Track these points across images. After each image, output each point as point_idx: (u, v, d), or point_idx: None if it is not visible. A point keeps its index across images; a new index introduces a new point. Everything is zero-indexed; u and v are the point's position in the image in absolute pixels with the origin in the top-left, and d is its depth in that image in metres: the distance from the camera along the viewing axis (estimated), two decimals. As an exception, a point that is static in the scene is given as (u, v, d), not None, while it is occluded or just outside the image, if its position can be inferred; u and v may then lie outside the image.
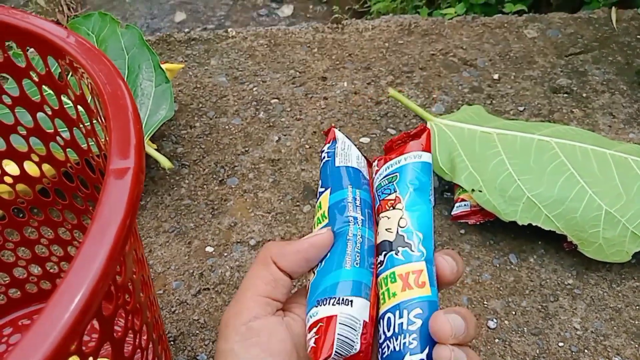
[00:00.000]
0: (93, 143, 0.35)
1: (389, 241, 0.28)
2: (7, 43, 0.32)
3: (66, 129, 0.36)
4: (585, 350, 0.50)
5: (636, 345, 0.50)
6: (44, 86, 0.34)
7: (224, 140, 0.69)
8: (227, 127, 0.71)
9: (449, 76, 0.78)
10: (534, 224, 0.54)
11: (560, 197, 0.53)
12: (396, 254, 0.28)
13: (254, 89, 0.76)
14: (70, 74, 0.30)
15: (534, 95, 0.75)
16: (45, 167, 0.41)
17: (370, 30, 0.86)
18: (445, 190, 0.63)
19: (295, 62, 0.80)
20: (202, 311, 0.53)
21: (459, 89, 0.76)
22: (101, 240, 0.20)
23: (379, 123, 0.71)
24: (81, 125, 0.35)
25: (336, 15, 0.87)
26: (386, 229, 0.28)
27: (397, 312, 0.26)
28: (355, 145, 0.40)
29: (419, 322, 0.25)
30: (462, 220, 0.58)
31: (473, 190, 0.56)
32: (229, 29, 0.86)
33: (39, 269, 0.48)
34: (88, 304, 0.18)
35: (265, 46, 0.83)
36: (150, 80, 0.63)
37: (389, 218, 0.28)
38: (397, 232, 0.28)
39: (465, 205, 0.57)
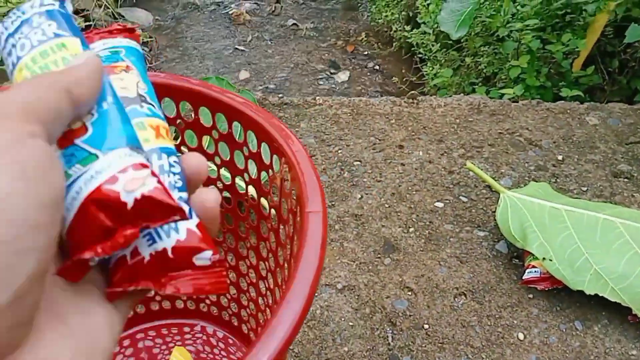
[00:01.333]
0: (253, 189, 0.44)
1: (128, 97, 0.27)
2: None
3: (229, 176, 0.46)
4: (648, 417, 0.54)
5: (697, 417, 0.53)
6: (220, 142, 0.44)
7: (313, 194, 0.78)
8: (316, 182, 0.80)
9: (516, 154, 0.85)
10: (600, 295, 0.59)
11: (626, 273, 0.59)
12: (140, 107, 0.27)
13: (339, 151, 0.86)
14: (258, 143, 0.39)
15: (596, 177, 0.81)
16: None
17: (442, 107, 0.96)
18: (513, 257, 0.69)
19: (375, 130, 0.90)
20: (296, 342, 0.60)
21: (525, 166, 0.83)
22: (308, 272, 0.28)
23: (452, 190, 0.79)
24: (245, 174, 0.44)
25: (412, 92, 0.96)
26: (121, 87, 0.27)
27: (155, 155, 0.25)
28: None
29: (178, 167, 0.26)
30: (531, 285, 0.64)
31: (544, 258, 0.62)
32: (317, 97, 0.97)
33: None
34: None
35: (349, 114, 0.93)
36: (260, 137, 0.73)
37: (122, 79, 0.28)
38: (138, 92, 0.28)
39: (535, 271, 0.63)
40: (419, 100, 0.97)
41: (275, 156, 0.40)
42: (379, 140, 0.88)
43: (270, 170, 0.42)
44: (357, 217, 0.75)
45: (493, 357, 0.59)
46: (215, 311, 0.58)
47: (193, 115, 0.44)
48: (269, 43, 3.17)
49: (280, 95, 0.98)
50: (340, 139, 0.88)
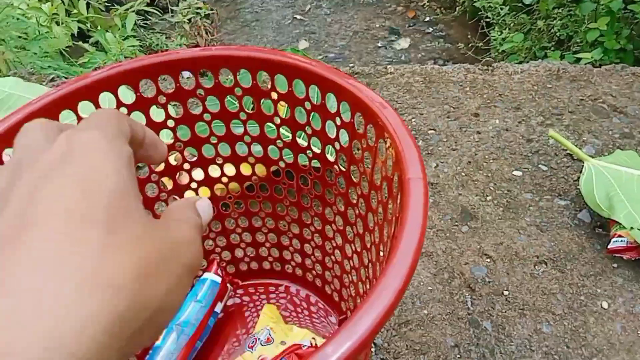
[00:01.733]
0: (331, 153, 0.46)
1: None
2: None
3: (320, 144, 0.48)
4: None
5: None
6: (312, 113, 0.46)
7: (389, 162, 0.79)
8: (390, 151, 0.80)
9: (599, 121, 0.82)
10: (692, 264, 0.57)
11: None
12: None
13: (413, 119, 0.86)
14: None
15: (688, 144, 0.77)
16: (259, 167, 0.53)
17: (519, 74, 0.93)
18: (597, 227, 0.68)
19: (449, 98, 0.89)
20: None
21: (609, 133, 0.80)
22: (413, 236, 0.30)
23: (530, 159, 0.78)
24: (336, 143, 0.46)
25: (488, 58, 0.94)
26: None
27: None
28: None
29: None
30: (617, 255, 0.63)
31: (632, 228, 0.60)
32: (388, 66, 0.97)
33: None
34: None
35: (421, 82, 0.93)
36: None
37: None
38: None
39: (622, 241, 0.62)
40: (494, 67, 0.95)
41: (369, 125, 0.41)
42: (453, 108, 0.87)
43: (363, 139, 0.44)
44: (433, 185, 0.75)
45: (575, 324, 0.59)
46: (299, 272, 0.61)
47: (287, 88, 0.46)
48: (328, 11, 3.15)
49: (351, 64, 0.98)
50: (414, 108, 0.88)
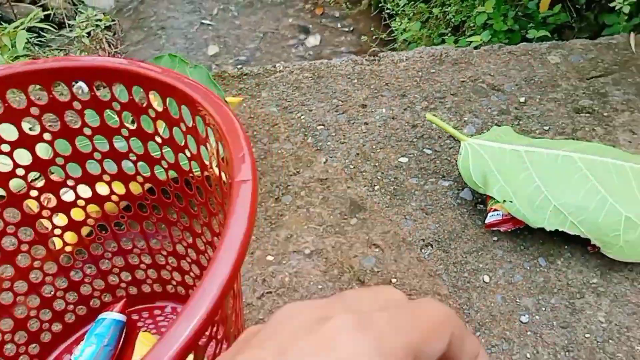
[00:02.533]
0: (196, 165, 0.44)
1: None
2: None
3: (173, 153, 0.46)
4: (610, 341, 0.55)
5: (657, 337, 0.55)
6: (159, 120, 0.43)
7: (278, 163, 0.78)
8: (279, 151, 0.80)
9: (479, 100, 0.85)
10: (560, 230, 0.60)
11: (583, 205, 0.60)
12: None
13: (302, 117, 0.85)
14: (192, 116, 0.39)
15: (558, 115, 0.81)
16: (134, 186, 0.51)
17: (404, 61, 0.95)
18: (478, 203, 0.70)
19: (337, 92, 0.89)
20: (266, 311, 0.61)
21: (488, 112, 0.83)
22: (237, 235, 0.29)
23: (416, 144, 0.79)
24: (186, 151, 0.44)
25: (373, 49, 0.96)
26: None
27: None
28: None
29: None
30: (494, 228, 0.65)
31: (504, 200, 0.62)
32: (277, 64, 0.96)
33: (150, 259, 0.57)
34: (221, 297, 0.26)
35: (310, 78, 0.92)
36: (216, 112, 0.73)
37: None
38: None
39: (497, 214, 0.64)
40: (380, 57, 0.96)
41: (208, 128, 0.40)
42: (342, 101, 0.88)
43: (207, 143, 0.42)
44: (322, 181, 0.75)
45: (460, 302, 0.60)
46: (182, 291, 0.59)
47: (128, 96, 0.44)
48: (236, 14, 3.10)
49: (239, 66, 0.97)
50: (303, 105, 0.87)
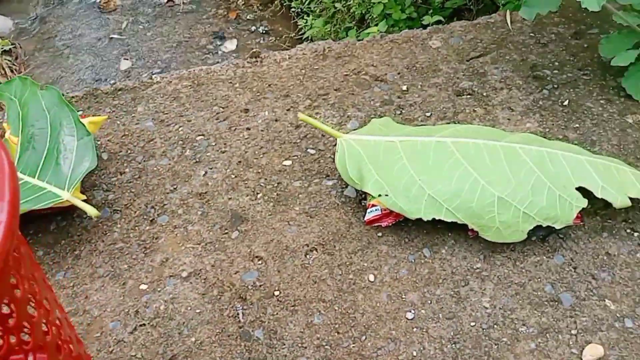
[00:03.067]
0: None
1: None
2: None
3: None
4: (495, 326, 0.54)
5: (539, 314, 0.55)
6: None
7: (153, 181, 0.72)
8: (155, 168, 0.74)
9: (362, 93, 0.83)
10: (437, 218, 0.58)
11: (457, 190, 0.58)
12: None
13: (180, 129, 0.80)
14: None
15: (440, 100, 0.81)
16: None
17: (287, 60, 0.92)
18: (362, 199, 0.67)
19: (218, 98, 0.85)
20: (139, 346, 0.56)
21: (371, 104, 0.81)
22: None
23: (300, 145, 0.76)
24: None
25: (254, 50, 0.91)
26: None
27: None
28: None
29: None
30: (376, 224, 0.63)
31: (380, 195, 0.60)
32: (154, 75, 0.90)
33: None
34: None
35: (189, 87, 0.87)
36: (72, 135, 0.67)
37: None
38: None
39: (376, 209, 0.62)
40: (263, 58, 0.93)
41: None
42: (222, 108, 0.83)
43: None
44: (201, 195, 0.70)
45: (345, 307, 0.57)
46: None
47: None
48: (146, 25, 2.98)
49: (112, 82, 0.90)
50: (181, 116, 0.82)
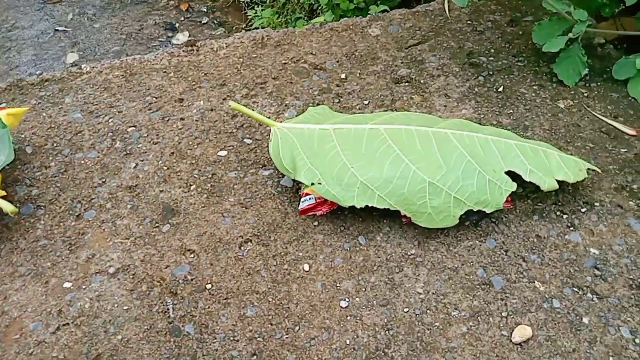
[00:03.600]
0: None
1: None
2: None
3: None
4: (428, 311, 0.54)
5: (470, 298, 0.55)
6: None
7: (80, 175, 0.69)
8: (82, 162, 0.71)
9: (300, 82, 0.82)
10: (370, 205, 0.58)
11: (389, 177, 0.58)
12: None
13: (110, 120, 0.77)
14: None
15: (378, 88, 0.80)
16: None
17: (225, 49, 0.89)
18: (299, 189, 0.66)
19: (151, 88, 0.82)
20: (62, 347, 0.53)
21: (309, 92, 0.80)
22: None
23: (236, 135, 0.74)
24: None
25: (190, 39, 0.89)
26: None
27: None
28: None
29: None
30: (311, 213, 0.62)
31: (313, 183, 0.59)
32: (83, 65, 0.86)
33: None
34: None
35: (121, 77, 0.84)
36: (-13, 127, 0.62)
37: None
38: None
39: (310, 198, 0.61)
40: (199, 47, 0.90)
41: None
42: (156, 98, 0.80)
43: None
44: (131, 188, 0.67)
45: (279, 297, 0.56)
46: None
47: None
48: (94, 17, 2.88)
49: (39, 72, 0.85)
50: (111, 107, 0.79)
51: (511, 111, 0.76)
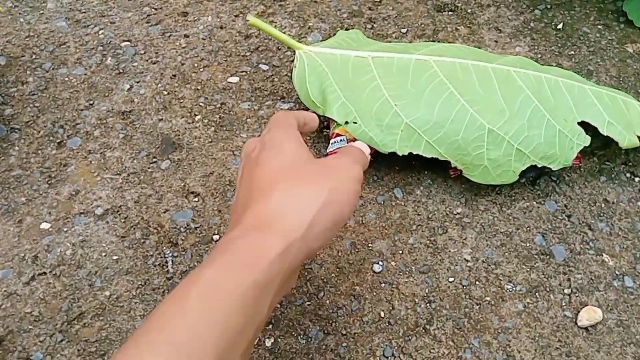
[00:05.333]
0: None
1: None
2: None
3: None
4: (477, 282, 0.46)
5: (527, 269, 0.46)
6: None
7: (64, 95, 0.58)
8: (67, 79, 0.59)
9: (326, 2, 0.69)
10: (414, 153, 0.48)
11: (440, 120, 0.48)
12: None
13: (100, 32, 0.64)
14: None
15: (418, 15, 0.68)
16: None
17: (237, -43, 0.76)
18: (324, 128, 0.56)
19: (150, -3, 0.69)
20: (37, 301, 0.44)
21: (337, 14, 0.68)
22: None
23: (250, 59, 0.62)
24: None
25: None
26: None
27: None
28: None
29: None
30: (340, 158, 0.52)
31: (347, 122, 0.49)
32: (69, -35, 0.72)
33: None
34: None
35: (114, -18, 0.70)
36: (-54, 26, 0.50)
37: None
38: None
39: (342, 140, 0.51)
40: (207, -47, 0.76)
41: None
42: (155, 9, 0.68)
43: None
44: (125, 114, 0.56)
45: (300, 256, 0.47)
46: None
47: None
48: None
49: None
50: (103, 16, 0.66)
51: (572, 52, 0.65)
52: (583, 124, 0.50)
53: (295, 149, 0.33)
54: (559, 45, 0.65)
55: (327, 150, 0.51)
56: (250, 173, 0.33)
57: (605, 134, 0.49)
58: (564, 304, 0.45)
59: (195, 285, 0.25)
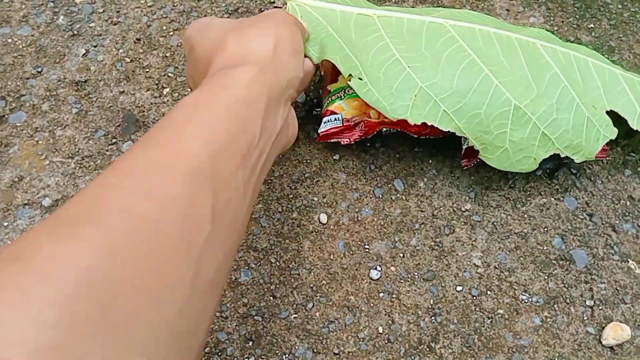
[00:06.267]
0: None
1: None
2: None
3: None
4: (488, 292, 0.40)
5: (545, 277, 0.41)
6: None
7: (5, 59, 0.49)
8: (9, 40, 0.50)
9: (317, -43, 0.61)
10: (429, 123, 0.41)
11: (461, 89, 0.40)
12: None
13: (52, -16, 0.55)
14: None
15: (420, -24, 0.60)
16: None
17: None
18: (314, 106, 0.48)
19: (111, -54, 0.59)
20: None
21: (329, -28, 0.59)
22: None
23: (232, 17, 0.54)
24: None
25: None
26: None
27: None
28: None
29: None
30: (333, 140, 0.45)
31: (351, 75, 0.41)
32: None
33: None
34: None
35: None
36: None
37: None
38: None
39: (336, 119, 0.43)
40: None
41: None
42: (118, -40, 0.58)
43: None
44: (79, 85, 0.48)
45: (286, 259, 0.40)
46: None
47: None
48: None
49: None
50: (54, -34, 0.56)
51: (592, 25, 0.58)
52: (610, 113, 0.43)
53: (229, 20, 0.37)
54: (577, 17, 0.58)
55: (319, 131, 0.44)
56: (200, 37, 0.35)
57: (635, 128, 0.43)
58: (585, 319, 0.39)
59: (176, 108, 0.26)
